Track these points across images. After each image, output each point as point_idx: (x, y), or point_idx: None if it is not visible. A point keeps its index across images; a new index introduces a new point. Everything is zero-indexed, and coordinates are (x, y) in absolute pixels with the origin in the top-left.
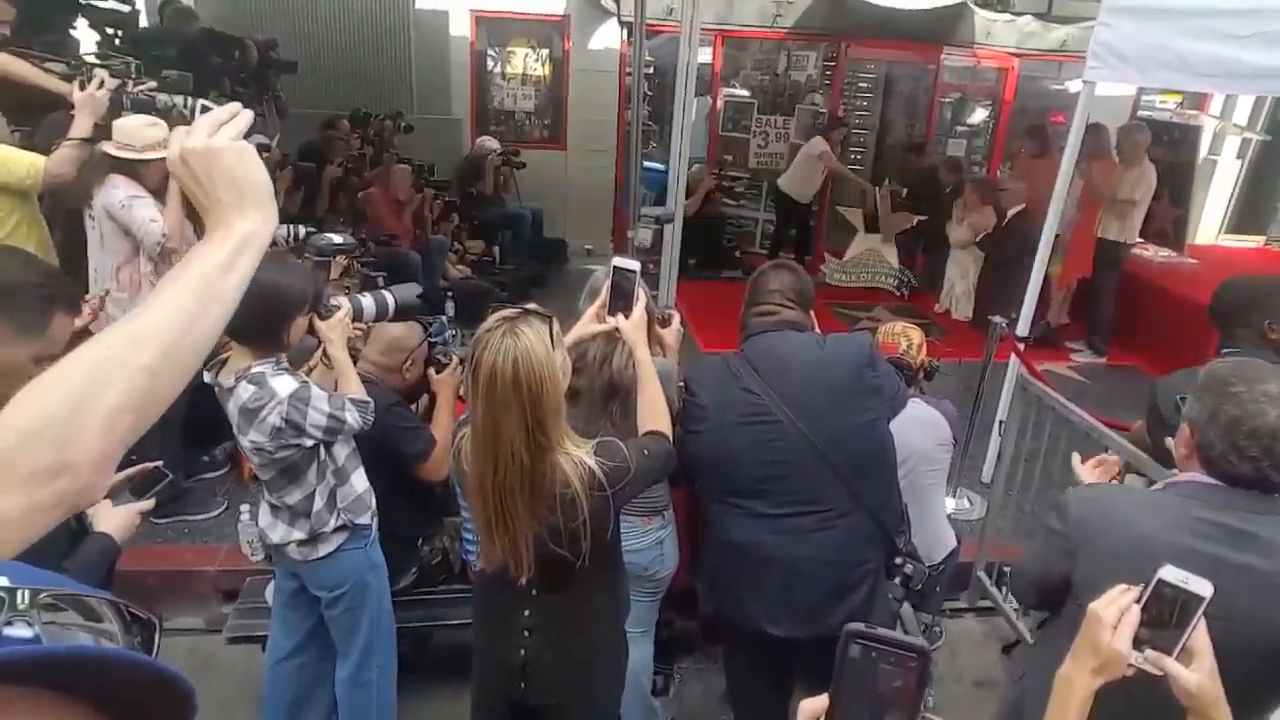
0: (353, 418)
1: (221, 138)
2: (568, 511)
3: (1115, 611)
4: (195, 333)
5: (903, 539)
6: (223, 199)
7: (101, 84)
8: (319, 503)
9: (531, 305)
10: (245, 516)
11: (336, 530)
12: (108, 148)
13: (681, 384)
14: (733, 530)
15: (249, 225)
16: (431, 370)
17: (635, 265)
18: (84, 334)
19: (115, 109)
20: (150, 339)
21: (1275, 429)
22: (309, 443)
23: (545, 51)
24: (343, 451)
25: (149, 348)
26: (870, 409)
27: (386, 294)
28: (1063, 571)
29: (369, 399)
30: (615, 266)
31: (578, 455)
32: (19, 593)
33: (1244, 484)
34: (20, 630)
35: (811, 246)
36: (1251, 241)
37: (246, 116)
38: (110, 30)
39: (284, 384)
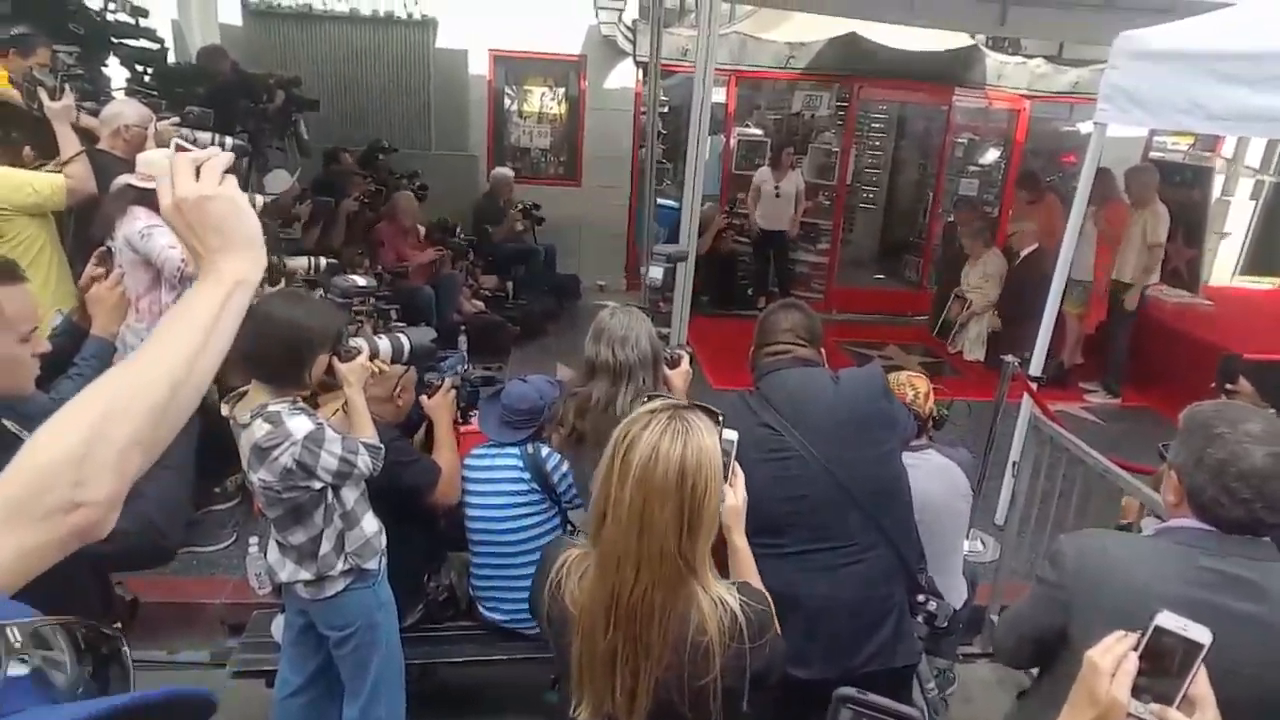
0: (363, 462)
1: (210, 185)
2: (698, 665)
3: (1112, 659)
4: (195, 372)
5: (923, 575)
6: (213, 244)
7: (61, 92)
8: (326, 546)
9: (690, 403)
10: (254, 550)
11: (344, 573)
12: (131, 179)
13: None
14: None
15: (239, 269)
16: (424, 397)
17: (732, 436)
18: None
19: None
20: (155, 379)
21: (1264, 469)
22: (317, 485)
23: (562, 90)
24: (351, 495)
25: (155, 387)
26: (887, 440)
27: (402, 336)
28: (1058, 625)
29: (381, 445)
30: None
31: (717, 593)
32: (8, 630)
33: (1236, 528)
34: (18, 669)
35: (787, 282)
36: (1267, 283)
37: (225, 158)
38: (140, 67)
39: (300, 425)
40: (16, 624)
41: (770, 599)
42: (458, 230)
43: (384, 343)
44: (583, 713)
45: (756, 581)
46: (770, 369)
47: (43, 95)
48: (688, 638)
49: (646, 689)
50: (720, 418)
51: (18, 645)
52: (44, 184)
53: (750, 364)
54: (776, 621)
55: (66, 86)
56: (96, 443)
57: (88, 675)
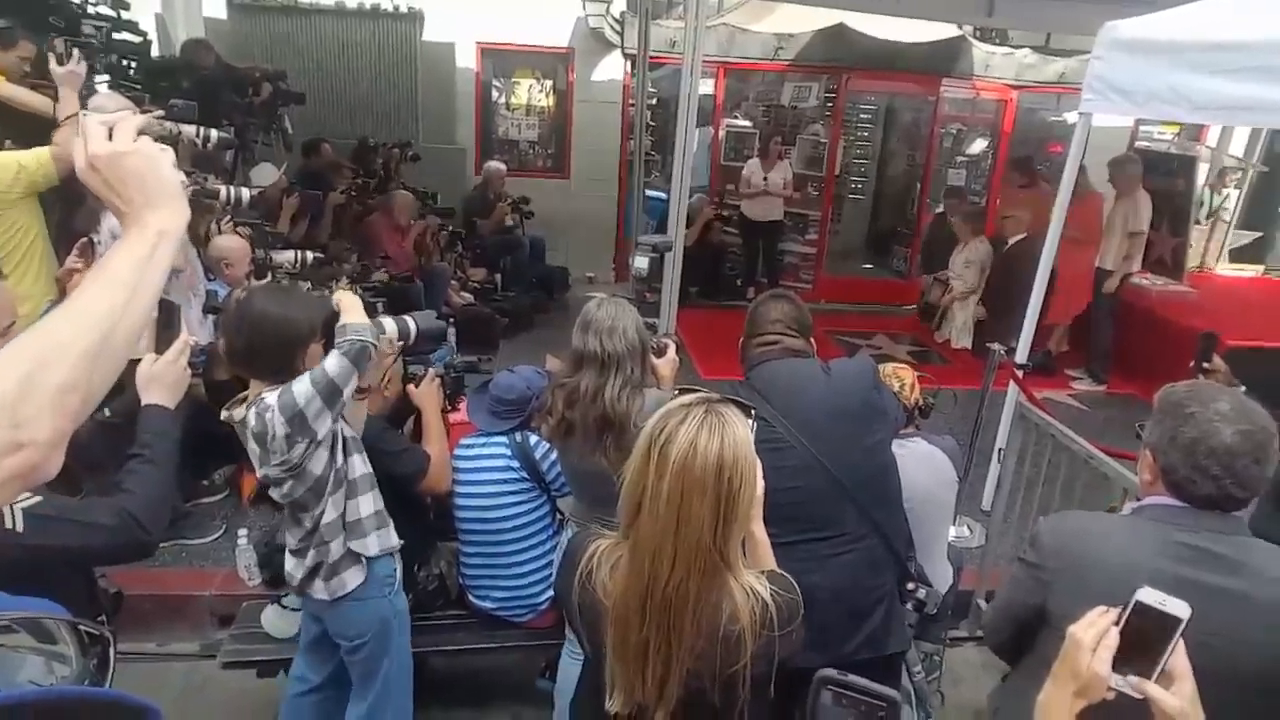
0: (335, 362)
1: (124, 142)
2: (730, 653)
3: (1094, 634)
4: (126, 319)
5: (912, 563)
6: (135, 199)
7: (79, 60)
8: (331, 515)
9: (722, 396)
10: (243, 541)
11: (348, 558)
12: None
13: None
14: None
15: (162, 220)
16: (410, 386)
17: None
18: None
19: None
20: (86, 326)
21: (1233, 446)
22: (320, 431)
23: (549, 82)
24: (358, 467)
25: (86, 334)
26: (877, 431)
27: (407, 318)
28: (1036, 604)
29: (365, 322)
30: None
31: (748, 582)
32: None
33: (1208, 504)
34: None
35: (775, 272)
36: (1251, 270)
37: (139, 119)
38: (123, 61)
39: (273, 394)
40: (11, 616)
41: (796, 585)
42: (436, 198)
43: (389, 323)
44: (615, 702)
45: (773, 566)
46: (760, 360)
47: (51, 60)
48: (720, 627)
49: (678, 677)
50: (752, 411)
51: None
52: (29, 159)
53: (740, 355)
54: (803, 607)
55: (75, 51)
56: (30, 387)
57: (93, 668)
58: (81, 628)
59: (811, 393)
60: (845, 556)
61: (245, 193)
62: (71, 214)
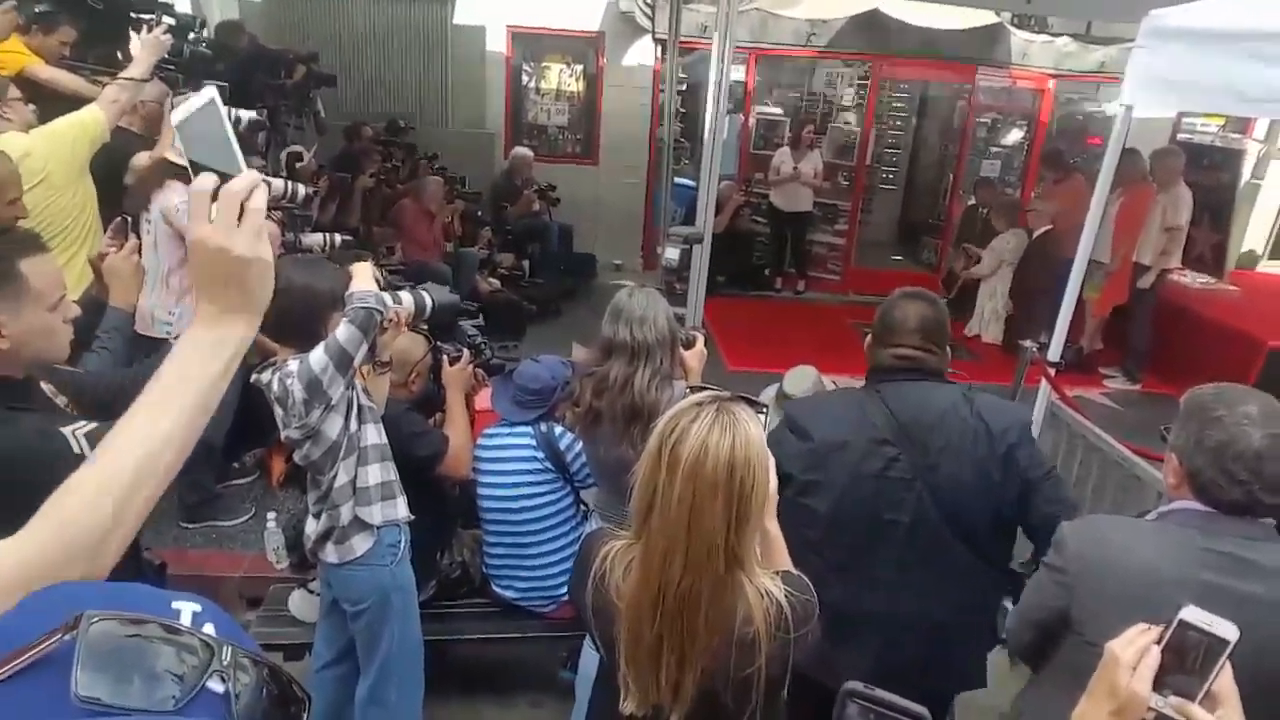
0: (344, 330)
1: (254, 242)
2: (744, 656)
3: (1134, 652)
4: (195, 430)
5: (1001, 614)
6: (234, 302)
7: (168, 30)
8: (343, 479)
9: (733, 394)
10: (271, 524)
11: (355, 525)
12: (170, 155)
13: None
14: (822, 587)
15: (245, 332)
16: (445, 359)
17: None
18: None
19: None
20: (168, 447)
21: (1261, 450)
22: (333, 395)
23: (580, 67)
24: (371, 436)
25: (166, 451)
26: (1013, 493)
27: (423, 292)
28: (1059, 608)
29: (372, 290)
30: None
31: (762, 583)
32: (225, 648)
33: (1236, 509)
34: (216, 685)
35: (803, 262)
36: None
37: (264, 196)
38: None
39: (295, 361)
40: (233, 645)
41: (811, 586)
42: (465, 182)
43: (406, 297)
44: (630, 704)
45: (788, 564)
46: (894, 376)
47: (143, 30)
48: (734, 629)
49: (692, 679)
50: (765, 409)
51: (225, 664)
52: (83, 115)
53: (867, 356)
54: (818, 609)
55: (164, 19)
56: (121, 517)
57: (260, 713)
58: (284, 679)
59: (952, 435)
60: (938, 597)
61: (301, 189)
62: (117, 196)
